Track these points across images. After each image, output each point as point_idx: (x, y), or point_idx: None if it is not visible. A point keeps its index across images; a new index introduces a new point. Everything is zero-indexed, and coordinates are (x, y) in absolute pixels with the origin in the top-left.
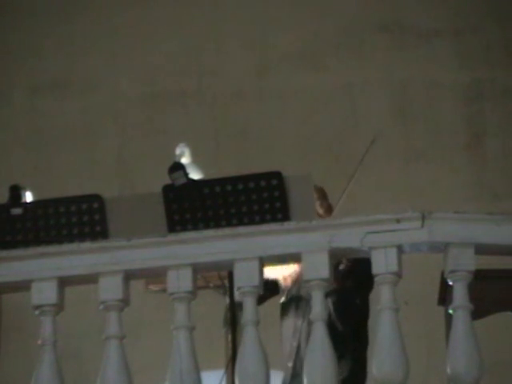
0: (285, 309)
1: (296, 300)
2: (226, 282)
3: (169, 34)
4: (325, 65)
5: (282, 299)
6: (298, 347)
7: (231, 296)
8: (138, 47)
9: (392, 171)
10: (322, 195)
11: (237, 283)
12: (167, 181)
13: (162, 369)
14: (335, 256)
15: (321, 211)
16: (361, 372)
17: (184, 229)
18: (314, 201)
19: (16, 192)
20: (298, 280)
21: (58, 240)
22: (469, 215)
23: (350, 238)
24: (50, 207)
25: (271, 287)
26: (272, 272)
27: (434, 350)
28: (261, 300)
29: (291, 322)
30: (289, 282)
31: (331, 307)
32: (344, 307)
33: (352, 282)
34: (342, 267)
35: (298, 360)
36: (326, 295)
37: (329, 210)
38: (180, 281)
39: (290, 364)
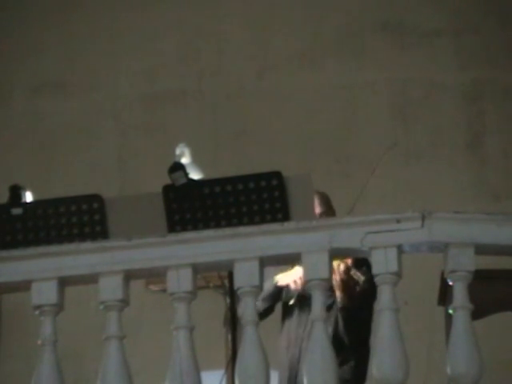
0: (289, 311)
1: (300, 303)
2: (226, 282)
3: (169, 33)
4: (325, 65)
5: (292, 301)
6: (299, 355)
7: (231, 296)
8: (138, 47)
9: (392, 171)
10: (326, 201)
11: (237, 283)
12: (167, 181)
13: (161, 369)
14: (335, 256)
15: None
16: (362, 376)
17: (184, 229)
18: (314, 201)
19: (16, 192)
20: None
21: (58, 240)
22: (469, 215)
23: (349, 238)
24: (50, 207)
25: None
26: (284, 278)
27: (434, 350)
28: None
29: (293, 325)
30: (299, 284)
31: (341, 322)
32: (354, 324)
33: (365, 302)
34: (358, 289)
35: (299, 369)
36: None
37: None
38: (180, 281)
39: (287, 373)
